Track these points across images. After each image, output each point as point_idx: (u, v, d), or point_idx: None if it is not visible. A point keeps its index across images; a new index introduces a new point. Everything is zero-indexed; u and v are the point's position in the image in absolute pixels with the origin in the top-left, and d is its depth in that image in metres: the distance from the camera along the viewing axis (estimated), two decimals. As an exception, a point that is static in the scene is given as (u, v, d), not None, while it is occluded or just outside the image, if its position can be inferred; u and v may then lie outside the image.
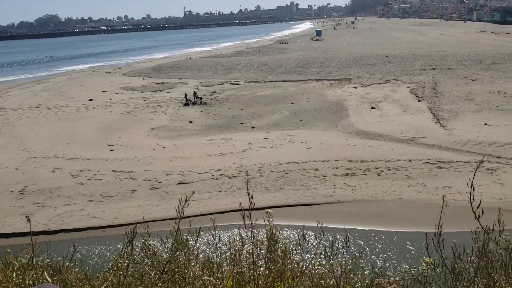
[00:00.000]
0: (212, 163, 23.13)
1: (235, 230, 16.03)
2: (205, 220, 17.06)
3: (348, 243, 3.24)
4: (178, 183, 20.57)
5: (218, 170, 22.01)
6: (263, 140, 27.34)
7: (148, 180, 21.11)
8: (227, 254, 4.03)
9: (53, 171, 23.05)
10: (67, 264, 4.12)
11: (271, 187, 19.40)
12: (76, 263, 4.41)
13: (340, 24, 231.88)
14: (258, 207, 15.27)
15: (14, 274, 3.36)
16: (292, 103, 38.50)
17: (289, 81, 51.37)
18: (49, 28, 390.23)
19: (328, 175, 20.44)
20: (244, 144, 26.60)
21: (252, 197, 3.42)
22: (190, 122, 33.84)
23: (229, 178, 20.81)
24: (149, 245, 3.60)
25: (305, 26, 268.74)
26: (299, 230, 13.02)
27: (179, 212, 3.33)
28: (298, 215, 16.22)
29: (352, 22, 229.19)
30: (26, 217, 4.91)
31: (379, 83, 45.14)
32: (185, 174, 21.74)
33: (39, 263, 3.88)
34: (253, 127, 31.23)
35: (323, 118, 32.42)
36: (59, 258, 4.38)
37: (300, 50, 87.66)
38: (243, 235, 3.61)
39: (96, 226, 16.82)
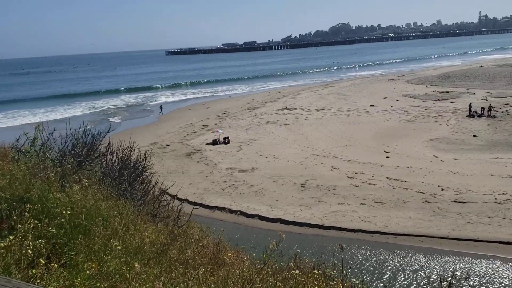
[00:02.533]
0: (496, 185, 20.56)
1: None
2: (482, 246, 15.09)
3: None
4: (454, 201, 19.10)
5: (504, 193, 19.40)
6: None
7: (422, 192, 20.32)
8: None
9: (331, 170, 24.72)
10: None
11: None
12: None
13: None
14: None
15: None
16: None
17: None
18: (340, 36, 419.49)
19: None
20: (541, 168, 22.67)
21: None
22: (474, 136, 30.91)
23: (518, 205, 18.08)
24: None
25: None
26: None
27: None
28: None
29: None
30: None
31: None
32: (462, 192, 20.01)
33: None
34: (555, 149, 26.30)
35: None
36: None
37: None
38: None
39: (366, 230, 17.20)
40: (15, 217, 3.34)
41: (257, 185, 22.94)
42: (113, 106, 62.56)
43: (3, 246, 2.80)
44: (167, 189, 7.75)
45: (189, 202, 19.80)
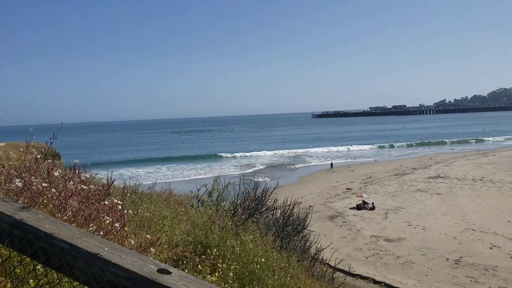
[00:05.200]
0: None
1: None
2: None
3: None
4: None
5: None
6: None
7: None
8: None
9: (491, 248, 22.24)
10: None
11: None
12: None
13: None
14: None
15: None
16: None
17: None
18: (501, 102, 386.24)
19: None
20: None
21: None
22: None
23: None
24: None
25: None
26: None
27: None
28: None
29: None
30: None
31: None
32: None
33: None
34: None
35: None
36: None
37: None
38: None
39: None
40: (197, 259, 3.85)
41: (404, 257, 21.63)
42: (261, 164, 65.88)
43: (214, 280, 3.26)
44: (324, 248, 7.90)
45: (331, 267, 19.46)
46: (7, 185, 2.22)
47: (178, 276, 1.48)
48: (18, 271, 2.04)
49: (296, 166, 62.61)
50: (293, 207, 6.85)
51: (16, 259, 1.91)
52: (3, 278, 1.95)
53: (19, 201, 2.02)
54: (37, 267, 1.89)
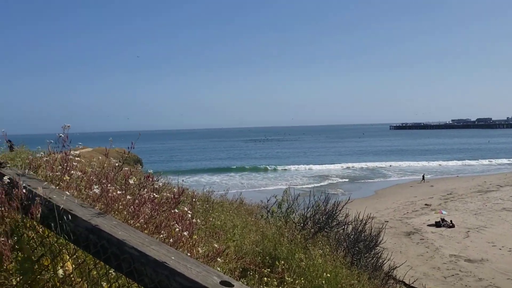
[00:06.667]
0: None
1: None
2: None
3: None
4: None
5: None
6: None
7: None
8: None
9: None
10: None
11: None
12: None
13: None
14: None
15: None
16: None
17: None
18: None
19: None
20: None
21: None
22: None
23: None
24: None
25: None
26: None
27: None
28: None
29: None
30: None
31: None
32: None
33: None
34: None
35: None
36: None
37: None
38: None
39: None
40: (264, 271, 3.85)
41: (487, 280, 20.17)
42: (335, 177, 64.82)
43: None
44: (398, 266, 7.59)
45: (405, 285, 18.62)
46: (86, 191, 2.40)
47: (240, 289, 1.47)
48: (94, 273, 2.15)
49: (372, 180, 60.84)
50: (366, 222, 6.62)
51: (91, 262, 2.03)
52: (80, 279, 2.06)
53: (96, 207, 2.15)
54: (109, 271, 1.98)
